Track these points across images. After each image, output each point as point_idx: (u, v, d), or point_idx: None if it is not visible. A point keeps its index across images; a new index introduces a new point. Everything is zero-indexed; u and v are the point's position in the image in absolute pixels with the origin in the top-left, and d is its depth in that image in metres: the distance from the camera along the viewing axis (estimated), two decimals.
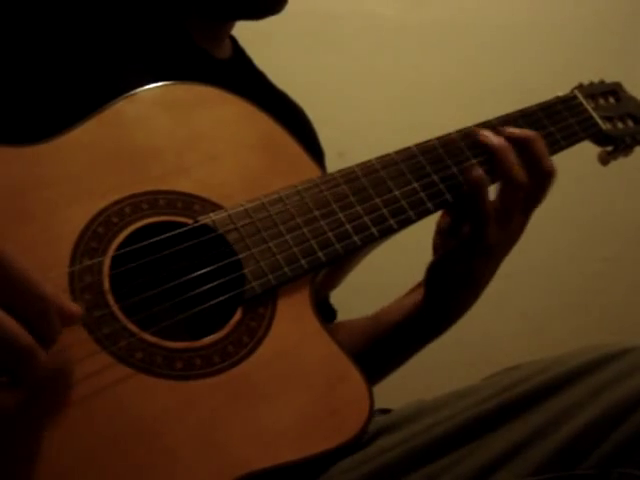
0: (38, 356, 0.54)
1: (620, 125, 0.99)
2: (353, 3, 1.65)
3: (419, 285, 0.90)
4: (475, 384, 0.78)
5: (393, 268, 1.36)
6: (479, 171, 0.80)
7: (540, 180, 0.82)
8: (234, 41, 1.00)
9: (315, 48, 1.58)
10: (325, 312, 1.01)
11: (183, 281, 0.68)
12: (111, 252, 0.66)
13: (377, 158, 0.79)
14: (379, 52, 1.64)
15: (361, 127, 1.47)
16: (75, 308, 0.57)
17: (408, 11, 1.67)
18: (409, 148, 0.81)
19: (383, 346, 0.91)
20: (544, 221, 1.70)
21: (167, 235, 0.68)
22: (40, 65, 0.75)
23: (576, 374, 0.71)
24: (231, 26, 0.96)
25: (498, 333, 1.64)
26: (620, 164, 1.71)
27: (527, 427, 0.70)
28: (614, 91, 1.02)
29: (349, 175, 0.77)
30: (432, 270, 0.87)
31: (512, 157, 0.80)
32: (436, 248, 0.87)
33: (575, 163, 1.70)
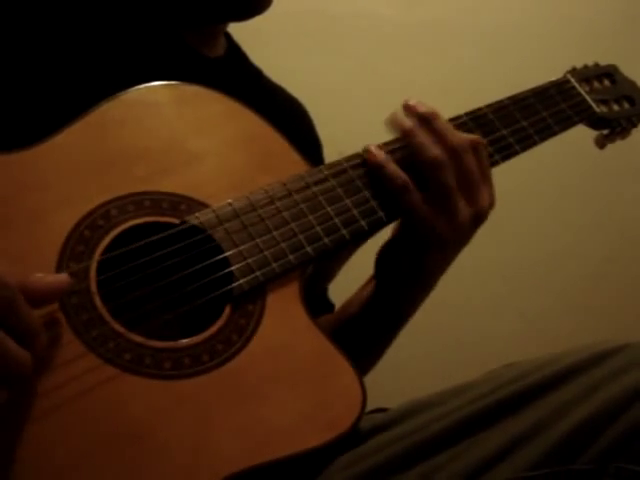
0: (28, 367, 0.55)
1: (616, 107, 0.97)
2: (352, 3, 1.65)
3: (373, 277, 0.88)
4: (471, 381, 0.77)
5: None
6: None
7: (454, 154, 0.77)
8: (229, 38, 1.00)
9: (314, 48, 1.58)
10: (323, 306, 1.00)
11: (172, 281, 0.68)
12: (97, 255, 0.66)
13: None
14: (378, 52, 1.64)
15: (361, 126, 1.46)
16: (61, 277, 0.60)
17: (407, 11, 1.67)
18: (398, 139, 0.80)
19: (345, 340, 0.90)
20: (545, 221, 1.71)
21: (155, 237, 0.68)
22: (24, 69, 0.75)
23: (572, 371, 0.71)
24: (223, 27, 0.96)
25: (498, 333, 1.63)
26: (621, 164, 1.71)
27: (524, 423, 0.70)
28: (609, 73, 1.00)
29: (336, 168, 0.77)
30: (378, 259, 0.85)
31: (421, 136, 0.77)
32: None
33: (576, 163, 1.70)
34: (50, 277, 0.60)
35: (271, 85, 1.02)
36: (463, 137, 0.78)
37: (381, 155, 0.77)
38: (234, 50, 0.99)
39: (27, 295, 0.56)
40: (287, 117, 0.93)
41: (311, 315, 0.70)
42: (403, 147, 0.78)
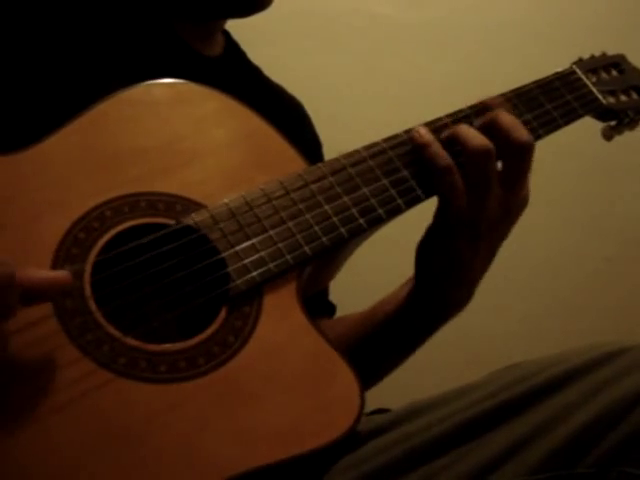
0: None
1: (623, 98, 0.95)
2: (352, 2, 1.64)
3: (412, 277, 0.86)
4: (474, 382, 0.77)
5: (391, 268, 1.35)
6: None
7: (514, 151, 0.76)
8: (227, 36, 0.99)
9: (315, 47, 1.57)
10: (324, 308, 0.99)
11: (167, 283, 0.67)
12: (92, 258, 0.65)
13: (364, 147, 0.77)
14: (378, 51, 1.63)
15: (361, 125, 1.46)
16: (61, 274, 0.58)
17: (407, 10, 1.65)
18: (397, 135, 0.79)
19: (379, 340, 0.88)
20: (545, 220, 1.69)
21: (149, 238, 0.67)
22: (19, 70, 0.75)
23: (575, 373, 0.71)
24: (222, 24, 0.95)
25: (498, 333, 1.62)
26: (621, 163, 1.69)
27: (526, 426, 0.69)
28: (617, 63, 0.98)
29: (335, 166, 0.75)
30: (418, 251, 0.82)
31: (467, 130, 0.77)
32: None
33: (575, 162, 1.68)
34: (48, 272, 0.59)
35: (270, 84, 1.01)
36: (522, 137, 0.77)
37: (428, 135, 0.77)
38: (232, 48, 0.98)
39: (22, 289, 0.55)
40: (287, 116, 0.92)
41: (309, 316, 0.69)
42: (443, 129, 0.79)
